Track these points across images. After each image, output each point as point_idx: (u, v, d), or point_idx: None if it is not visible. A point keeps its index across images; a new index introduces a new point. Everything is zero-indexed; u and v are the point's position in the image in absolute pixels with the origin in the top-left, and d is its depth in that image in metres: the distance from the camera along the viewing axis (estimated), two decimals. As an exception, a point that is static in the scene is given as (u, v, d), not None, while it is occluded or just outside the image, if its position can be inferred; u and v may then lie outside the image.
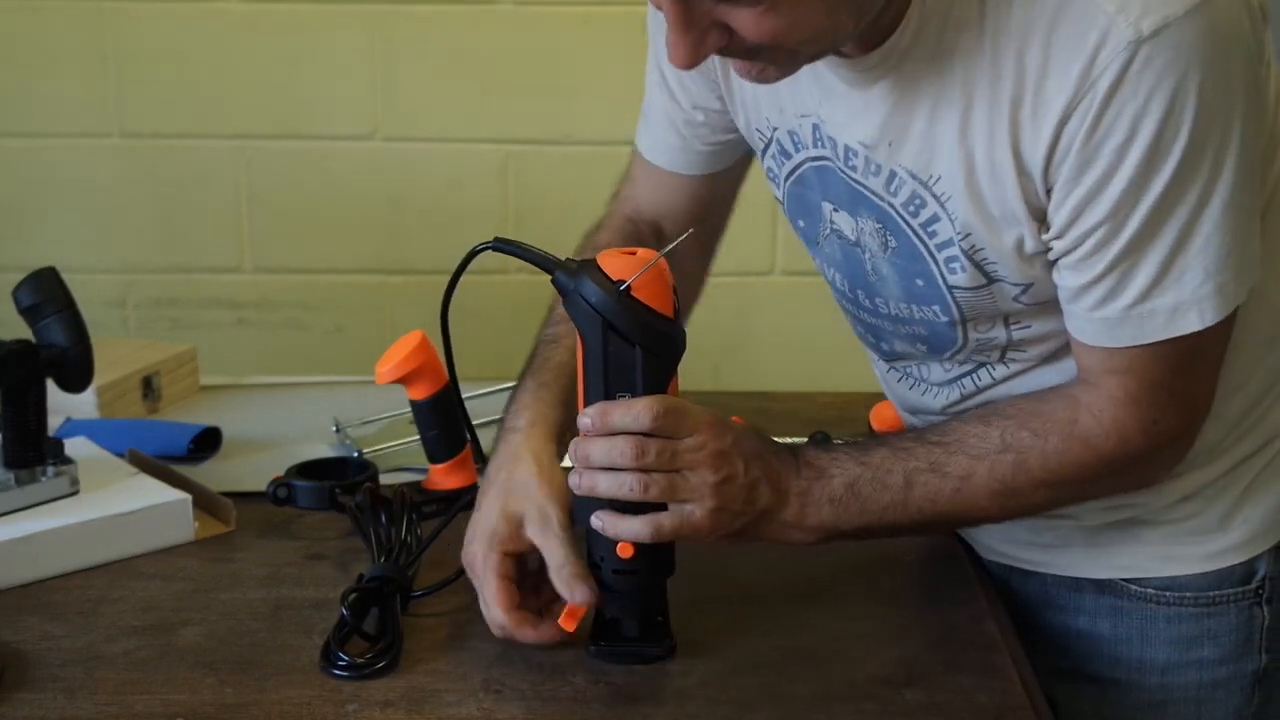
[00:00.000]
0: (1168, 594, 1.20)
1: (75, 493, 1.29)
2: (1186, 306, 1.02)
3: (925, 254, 1.10)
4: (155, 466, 1.39)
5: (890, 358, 1.25)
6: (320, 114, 2.31)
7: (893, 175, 1.08)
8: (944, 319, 1.14)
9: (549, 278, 1.05)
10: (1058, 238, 1.04)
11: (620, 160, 2.31)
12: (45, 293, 1.28)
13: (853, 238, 1.15)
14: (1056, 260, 1.05)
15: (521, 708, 1.00)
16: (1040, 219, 1.04)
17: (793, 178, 1.18)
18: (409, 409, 1.36)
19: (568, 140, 2.31)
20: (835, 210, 1.15)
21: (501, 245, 1.06)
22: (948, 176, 1.05)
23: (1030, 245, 1.05)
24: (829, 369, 2.20)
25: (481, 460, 1.33)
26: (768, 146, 1.20)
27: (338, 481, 1.32)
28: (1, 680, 1.04)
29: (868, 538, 1.10)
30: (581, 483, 1.04)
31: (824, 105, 1.11)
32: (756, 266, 2.30)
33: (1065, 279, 1.05)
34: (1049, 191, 1.02)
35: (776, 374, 2.27)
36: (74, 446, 1.34)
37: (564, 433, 1.14)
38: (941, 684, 1.03)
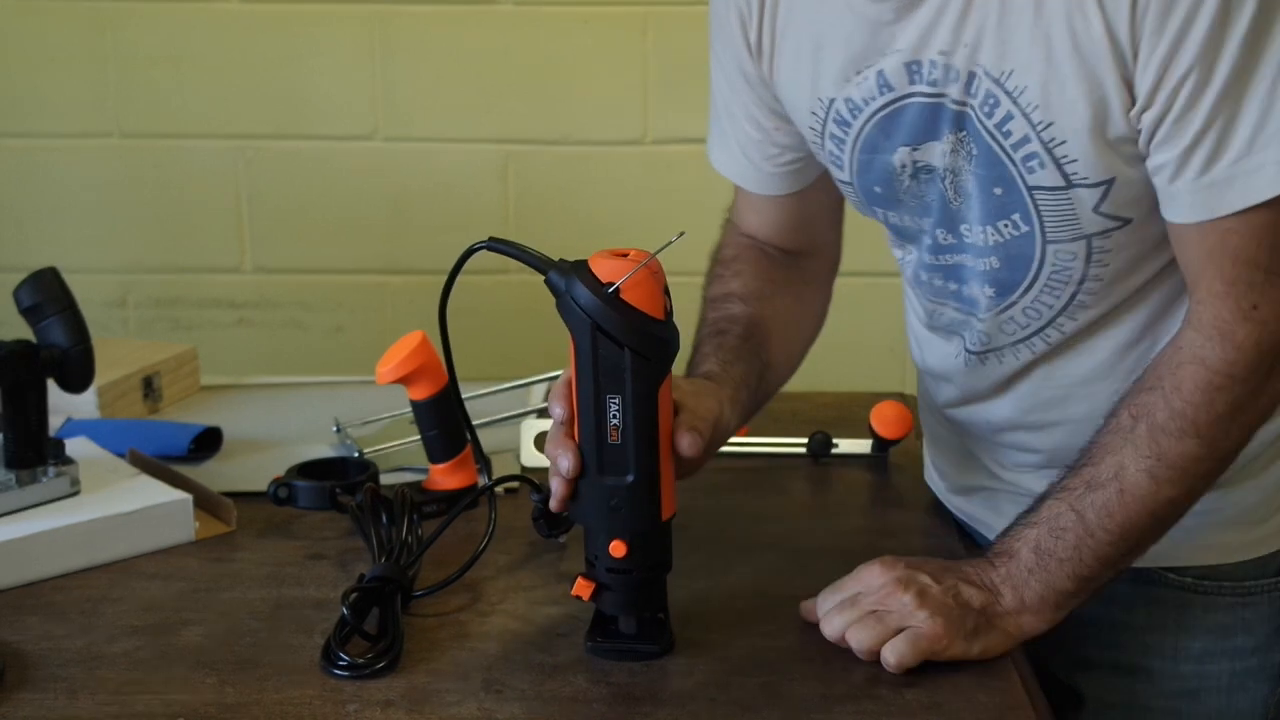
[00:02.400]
0: (1206, 583, 1.21)
1: (76, 493, 1.29)
2: None
3: (1002, 157, 1.09)
4: (156, 466, 1.39)
5: (965, 310, 1.22)
6: (320, 114, 2.31)
7: (971, 77, 1.07)
8: (1024, 228, 1.12)
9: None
10: (1147, 107, 1.01)
11: (620, 160, 2.33)
12: (46, 293, 1.28)
13: (940, 165, 1.13)
14: (1150, 139, 1.03)
15: (522, 708, 1.00)
16: (1129, 89, 1.02)
17: (859, 144, 1.17)
18: (409, 409, 1.36)
19: (568, 140, 2.31)
20: (914, 149, 1.14)
21: (496, 245, 1.07)
22: (1022, 68, 1.04)
23: (1115, 126, 1.03)
24: (829, 369, 2.20)
25: (482, 460, 1.33)
26: (825, 124, 1.18)
27: (338, 481, 1.32)
28: (2, 680, 1.04)
29: (1097, 587, 1.10)
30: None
31: (897, 37, 1.10)
32: (756, 266, 2.30)
33: (1163, 155, 1.03)
34: (1135, 55, 1.00)
35: (776, 374, 2.26)
36: (75, 446, 1.34)
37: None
38: (941, 684, 1.03)
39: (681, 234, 1.05)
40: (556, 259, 1.05)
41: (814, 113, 1.19)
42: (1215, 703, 1.22)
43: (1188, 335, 1.07)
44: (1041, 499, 1.11)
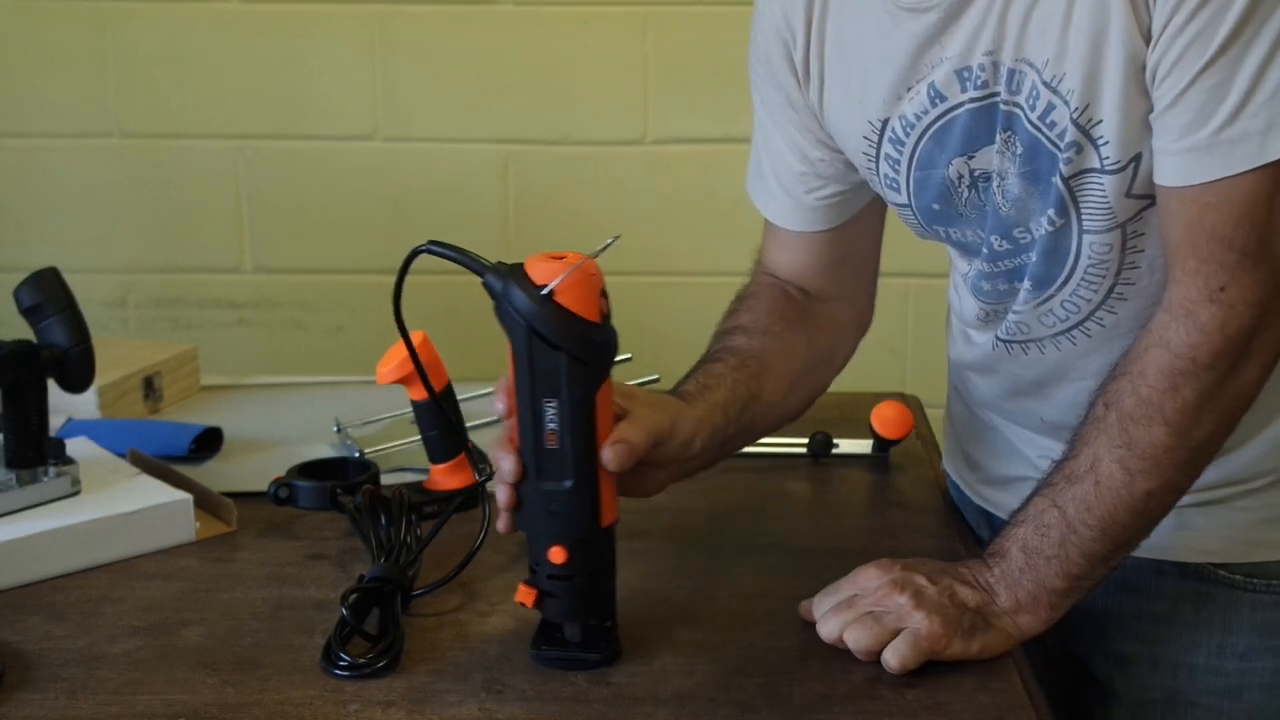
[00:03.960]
0: (1255, 580, 1.20)
1: (76, 493, 1.29)
2: None
3: (1050, 148, 1.08)
4: (156, 466, 1.39)
5: (1020, 300, 1.20)
6: (320, 114, 2.31)
7: (1012, 74, 1.08)
8: (1060, 221, 1.11)
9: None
10: (1153, 48, 1.01)
11: (619, 160, 2.33)
12: (46, 293, 1.28)
13: (994, 169, 1.13)
14: (1154, 79, 1.02)
15: (522, 708, 1.00)
16: (1145, 42, 1.01)
17: (915, 161, 1.17)
18: (410, 409, 1.36)
19: (568, 140, 2.31)
20: (970, 158, 1.14)
21: (436, 248, 1.06)
22: (1057, 56, 1.05)
23: (1140, 91, 1.03)
24: (829, 369, 2.20)
25: (482, 461, 1.33)
26: (880, 147, 1.18)
27: (338, 481, 1.32)
28: (2, 680, 1.04)
29: (1091, 584, 1.09)
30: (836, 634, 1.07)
31: (946, 46, 1.10)
32: (756, 266, 2.30)
33: (1161, 95, 1.02)
34: (1150, 11, 1.00)
35: (776, 374, 2.26)
36: (75, 446, 1.34)
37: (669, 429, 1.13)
38: (942, 684, 1.03)
39: (616, 237, 1.04)
40: (494, 261, 1.03)
41: (867, 136, 1.19)
42: (1257, 700, 1.22)
43: (1158, 317, 1.06)
44: (1030, 496, 1.11)
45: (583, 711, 1.00)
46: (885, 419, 1.48)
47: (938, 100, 1.12)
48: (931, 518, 1.36)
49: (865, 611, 1.06)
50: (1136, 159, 1.07)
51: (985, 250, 1.19)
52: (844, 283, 1.34)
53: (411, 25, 2.28)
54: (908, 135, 1.16)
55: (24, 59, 2.30)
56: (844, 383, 1.60)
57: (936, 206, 1.19)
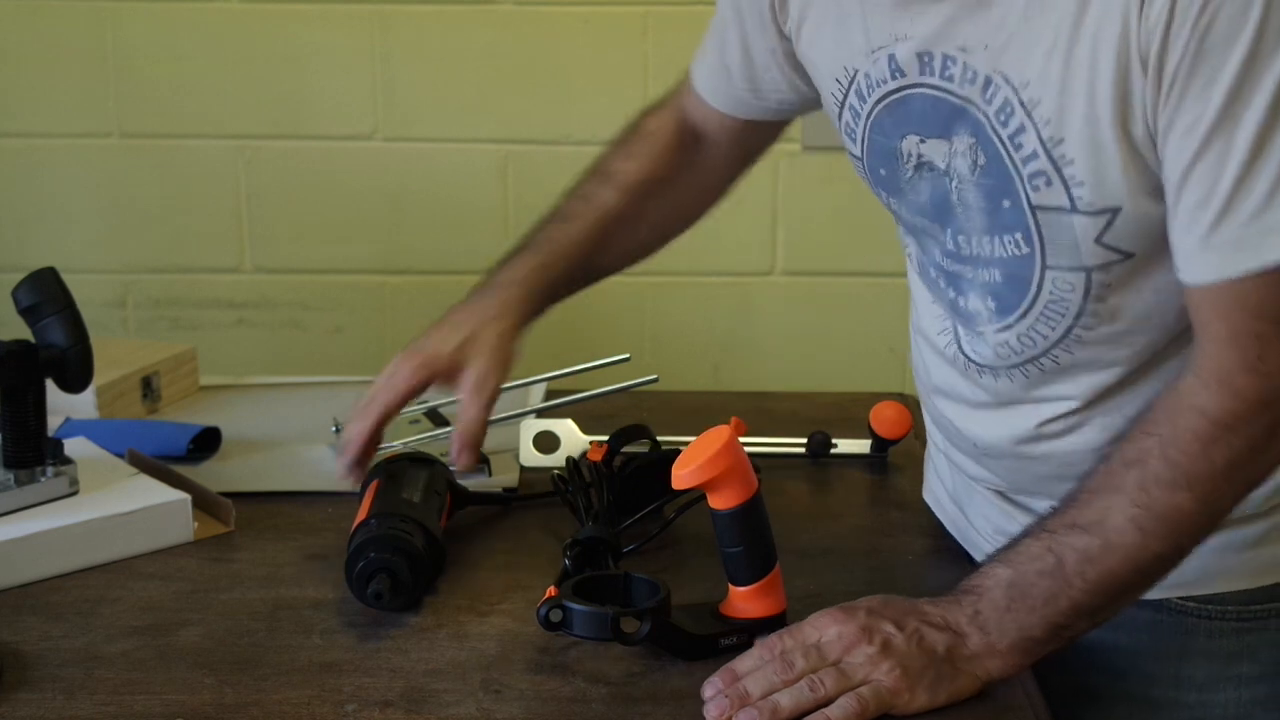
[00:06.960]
0: (1210, 607, 1.16)
1: (74, 493, 1.29)
2: None
3: (1012, 170, 1.05)
4: (155, 466, 1.39)
5: (965, 323, 1.18)
6: (320, 114, 2.31)
7: (989, 82, 1.04)
8: (1025, 250, 1.08)
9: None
10: (1167, 138, 0.97)
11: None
12: (44, 293, 1.28)
13: (943, 165, 1.10)
14: (1172, 178, 0.98)
15: (521, 708, 1.00)
16: (1146, 123, 0.98)
17: (870, 123, 1.15)
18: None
19: (568, 140, 2.31)
20: (922, 141, 1.11)
21: None
22: (1038, 80, 1.01)
23: (1128, 153, 0.99)
24: (829, 369, 2.20)
25: (483, 460, 1.33)
26: (847, 95, 1.16)
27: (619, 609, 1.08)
28: (1, 680, 1.04)
29: (1071, 636, 1.04)
30: (761, 717, 0.98)
31: (914, 23, 1.07)
32: (756, 266, 2.30)
33: (1185, 198, 0.97)
34: (1159, 86, 0.96)
35: (776, 374, 2.26)
36: (73, 446, 1.34)
37: (536, 312, 1.27)
38: (941, 684, 1.03)
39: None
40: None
41: (838, 80, 1.17)
42: None
43: (1188, 381, 1.01)
44: (1021, 536, 1.06)
45: (582, 711, 1.00)
46: (884, 419, 1.48)
47: (897, 74, 1.10)
48: (930, 518, 1.36)
49: (823, 667, 1.01)
50: (1114, 211, 1.03)
51: (933, 245, 1.17)
52: (748, 139, 1.39)
53: (411, 25, 2.28)
54: (869, 94, 1.14)
55: (24, 59, 2.30)
56: (843, 383, 1.60)
57: (883, 172, 1.17)
